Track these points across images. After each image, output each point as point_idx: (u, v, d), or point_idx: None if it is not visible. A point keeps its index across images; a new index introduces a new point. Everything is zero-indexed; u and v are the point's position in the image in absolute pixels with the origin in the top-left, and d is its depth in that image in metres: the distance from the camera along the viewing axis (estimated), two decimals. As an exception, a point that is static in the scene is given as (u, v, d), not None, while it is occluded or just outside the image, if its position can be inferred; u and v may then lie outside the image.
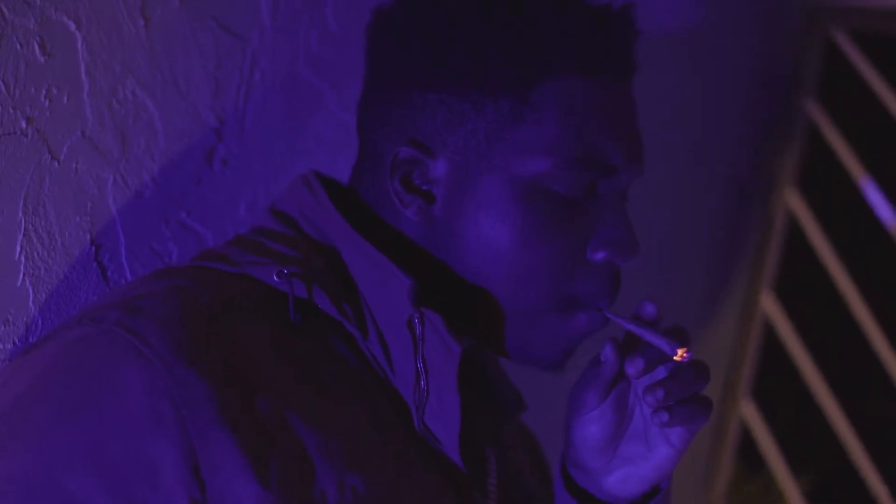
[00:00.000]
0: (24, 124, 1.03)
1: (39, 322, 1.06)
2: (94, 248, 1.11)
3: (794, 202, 2.46)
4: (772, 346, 2.48)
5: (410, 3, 1.06)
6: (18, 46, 1.01)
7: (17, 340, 1.05)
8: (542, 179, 1.01)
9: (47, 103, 1.05)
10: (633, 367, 0.98)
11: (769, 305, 2.50)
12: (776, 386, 2.55)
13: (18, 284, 1.04)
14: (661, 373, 0.99)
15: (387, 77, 1.07)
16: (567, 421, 1.05)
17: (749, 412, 2.53)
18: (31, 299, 1.05)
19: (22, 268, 1.04)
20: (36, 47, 1.03)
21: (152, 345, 0.88)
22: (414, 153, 1.03)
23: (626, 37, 1.06)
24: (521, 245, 1.01)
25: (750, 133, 2.44)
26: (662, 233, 2.10)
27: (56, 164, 1.06)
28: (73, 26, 1.06)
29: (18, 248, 1.04)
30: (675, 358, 0.96)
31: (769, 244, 2.48)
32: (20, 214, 1.04)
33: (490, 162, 1.02)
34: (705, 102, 2.23)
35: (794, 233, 2.45)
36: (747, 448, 2.55)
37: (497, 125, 1.01)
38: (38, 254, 1.06)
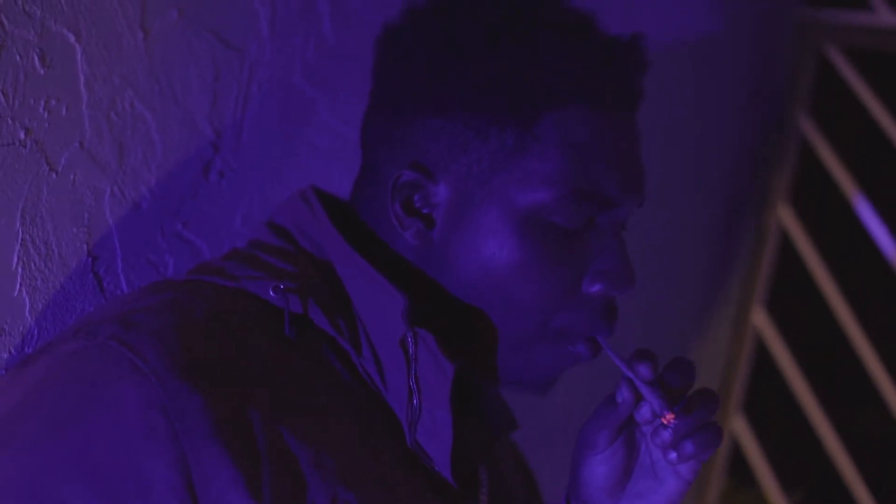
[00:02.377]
0: (22, 135, 1.03)
1: (36, 332, 1.06)
2: (90, 260, 1.11)
3: (787, 218, 2.47)
4: (763, 362, 2.49)
5: (419, 26, 1.05)
6: (18, 58, 1.01)
7: (13, 350, 1.04)
8: (543, 210, 1.01)
9: (46, 115, 1.05)
10: (640, 416, 0.98)
11: (760, 320, 2.50)
12: (767, 401, 2.56)
13: (15, 294, 1.04)
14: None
15: (392, 97, 1.06)
16: (575, 461, 1.05)
17: (740, 427, 2.54)
18: (27, 309, 1.05)
19: (19, 278, 1.04)
20: (35, 59, 1.03)
21: (147, 359, 0.88)
22: (416, 177, 1.03)
23: (634, 69, 1.06)
24: (518, 274, 1.01)
25: (743, 148, 2.44)
26: (655, 247, 2.10)
27: (54, 175, 1.06)
28: (72, 38, 1.06)
29: (16, 259, 1.04)
30: (662, 421, 0.97)
31: (761, 259, 2.49)
32: (18, 225, 1.04)
33: (492, 190, 1.02)
34: (698, 117, 2.23)
35: (786, 248, 2.45)
36: (738, 462, 2.56)
37: (500, 154, 1.01)
38: (35, 264, 1.06)
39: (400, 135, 1.04)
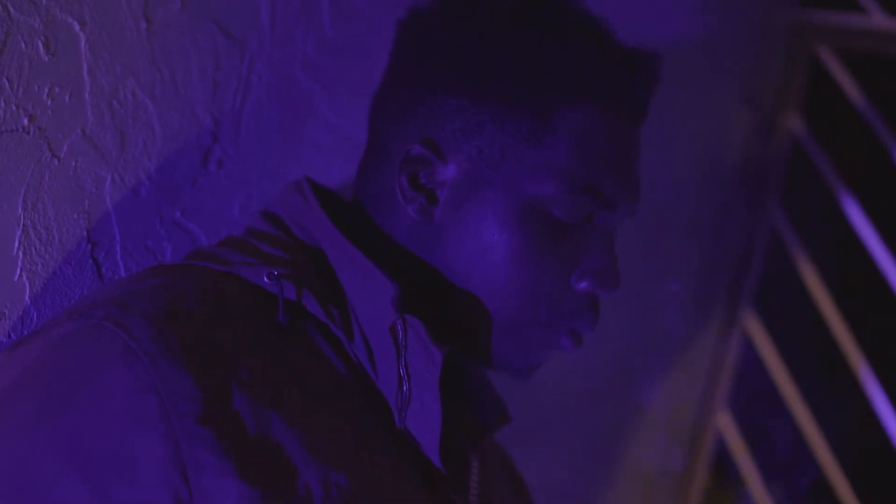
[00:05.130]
0: (26, 122, 1.04)
1: (35, 316, 1.07)
2: (90, 245, 1.12)
3: (777, 218, 2.48)
4: (750, 359, 2.51)
5: (448, 10, 1.08)
6: (23, 45, 1.02)
7: (12, 334, 1.05)
8: (546, 201, 1.04)
9: (49, 102, 1.06)
10: None
11: (749, 320, 2.52)
12: (753, 398, 2.58)
13: (16, 279, 1.05)
14: None
15: (411, 75, 1.08)
16: None
17: (725, 424, 2.55)
18: (27, 294, 1.06)
19: (20, 262, 1.05)
20: (40, 46, 1.04)
21: (140, 340, 0.88)
22: (426, 153, 1.05)
23: (649, 85, 1.09)
24: (514, 260, 1.03)
25: (734, 148, 2.45)
26: (645, 246, 2.12)
27: (56, 161, 1.07)
28: (77, 26, 1.07)
29: (17, 244, 1.05)
30: None
31: (751, 260, 2.50)
32: (19, 210, 1.05)
33: (500, 176, 1.04)
34: (689, 117, 2.24)
35: (776, 249, 2.47)
36: (722, 459, 2.58)
37: (513, 142, 1.04)
38: (35, 249, 1.07)
39: (415, 112, 1.06)
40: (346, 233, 1.06)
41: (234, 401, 0.90)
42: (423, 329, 0.98)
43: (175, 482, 0.86)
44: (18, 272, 1.05)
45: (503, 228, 1.03)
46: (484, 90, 1.04)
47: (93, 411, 0.86)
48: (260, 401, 0.92)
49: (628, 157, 1.09)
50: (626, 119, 1.08)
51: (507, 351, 1.07)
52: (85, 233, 1.12)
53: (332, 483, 0.93)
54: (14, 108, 1.03)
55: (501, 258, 1.04)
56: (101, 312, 0.91)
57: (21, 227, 1.05)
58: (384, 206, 1.08)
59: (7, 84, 1.01)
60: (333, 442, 0.95)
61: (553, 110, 1.04)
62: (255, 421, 0.91)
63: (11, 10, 1.01)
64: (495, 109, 1.04)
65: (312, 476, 0.92)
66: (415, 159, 1.05)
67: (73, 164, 1.09)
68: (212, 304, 0.96)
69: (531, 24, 1.05)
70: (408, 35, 1.11)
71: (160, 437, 0.86)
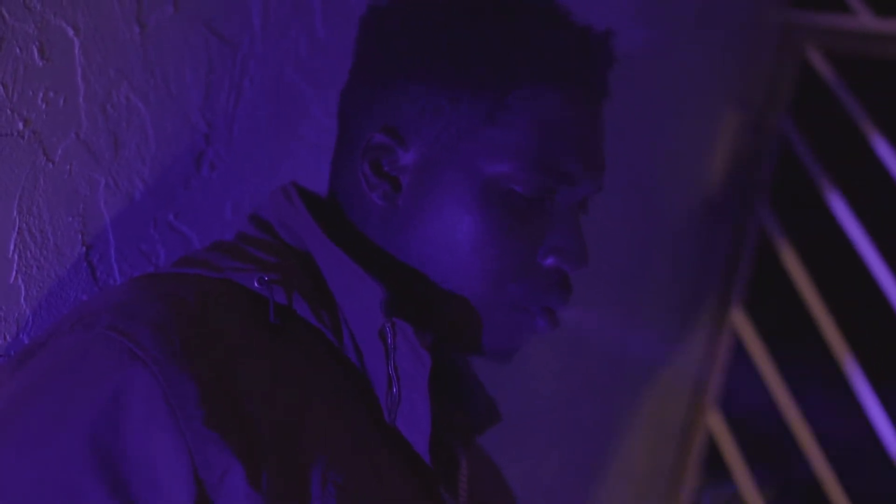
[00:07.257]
0: (21, 126, 1.05)
1: (30, 318, 1.08)
2: (84, 248, 1.13)
3: (765, 218, 2.49)
4: (739, 359, 2.52)
5: (405, 2, 1.09)
6: (18, 50, 1.03)
7: (8, 337, 1.06)
8: (505, 179, 1.05)
9: (44, 106, 1.07)
10: None
11: (738, 318, 2.53)
12: (743, 397, 2.59)
13: (11, 281, 1.06)
14: None
15: (371, 66, 1.10)
16: None
17: (716, 423, 2.57)
18: (22, 296, 1.07)
19: (15, 265, 1.06)
20: (35, 51, 1.05)
21: (146, 348, 0.89)
22: (386, 140, 1.06)
23: (604, 61, 1.10)
24: (477, 240, 1.04)
25: (723, 149, 2.47)
26: (635, 246, 2.13)
27: (51, 165, 1.08)
28: (71, 32, 1.08)
29: (12, 246, 1.06)
30: None
31: (740, 259, 2.52)
32: (15, 213, 1.05)
33: (458, 157, 1.05)
34: (679, 118, 2.26)
35: (765, 248, 2.48)
36: (713, 458, 2.59)
37: (470, 123, 1.05)
38: (30, 252, 1.07)
39: (377, 103, 1.08)
40: (332, 237, 1.07)
41: (237, 402, 0.92)
42: (412, 331, 0.99)
43: (188, 481, 0.88)
44: (14, 275, 1.06)
45: (465, 210, 1.04)
46: (440, 75, 1.05)
47: (106, 418, 0.88)
48: (263, 402, 0.93)
49: (587, 132, 1.09)
50: (583, 95, 1.09)
51: (483, 335, 1.08)
52: (80, 236, 1.12)
53: (330, 482, 0.94)
54: (9, 112, 1.03)
55: (465, 239, 1.05)
56: (105, 322, 0.92)
57: (16, 230, 1.06)
58: (354, 198, 1.09)
59: (2, 89, 1.02)
60: (330, 441, 0.97)
61: (508, 90, 1.05)
62: (260, 422, 0.92)
63: (6, 15, 1.01)
64: (452, 93, 1.05)
65: (314, 475, 0.94)
66: (376, 147, 1.07)
67: (68, 167, 1.10)
68: (211, 309, 0.97)
69: (485, 7, 1.07)
70: (369, 29, 1.12)
71: (172, 440, 0.87)
